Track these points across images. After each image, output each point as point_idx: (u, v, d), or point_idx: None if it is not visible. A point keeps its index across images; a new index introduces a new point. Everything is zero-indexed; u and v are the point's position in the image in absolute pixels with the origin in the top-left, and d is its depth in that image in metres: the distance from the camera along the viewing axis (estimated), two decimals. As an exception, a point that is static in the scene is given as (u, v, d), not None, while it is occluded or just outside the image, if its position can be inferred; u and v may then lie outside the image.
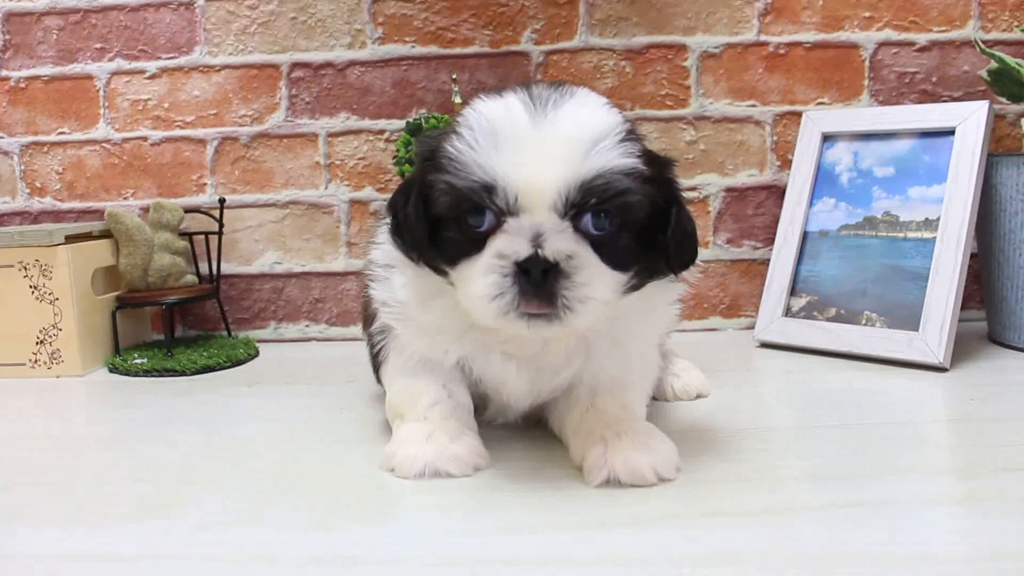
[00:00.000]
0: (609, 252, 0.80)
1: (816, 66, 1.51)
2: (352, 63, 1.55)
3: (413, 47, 1.54)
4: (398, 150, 1.41)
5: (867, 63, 1.51)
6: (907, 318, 1.26)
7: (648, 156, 0.83)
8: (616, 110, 0.83)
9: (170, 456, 0.99)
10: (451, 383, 0.94)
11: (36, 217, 1.64)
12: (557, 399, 0.96)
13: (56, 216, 1.64)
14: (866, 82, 1.51)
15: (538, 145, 0.78)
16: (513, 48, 1.53)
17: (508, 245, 0.78)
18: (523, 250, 0.77)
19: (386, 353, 0.98)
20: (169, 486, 0.89)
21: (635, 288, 0.86)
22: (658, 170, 0.84)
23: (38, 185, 1.64)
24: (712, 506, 0.78)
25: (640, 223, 0.82)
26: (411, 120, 1.42)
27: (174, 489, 0.88)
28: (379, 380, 1.04)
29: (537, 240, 0.77)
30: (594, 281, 0.79)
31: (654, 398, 1.06)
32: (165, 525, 0.79)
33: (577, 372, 0.92)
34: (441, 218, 0.83)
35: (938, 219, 1.28)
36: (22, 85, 1.61)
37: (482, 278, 0.79)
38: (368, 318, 1.02)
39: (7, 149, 1.63)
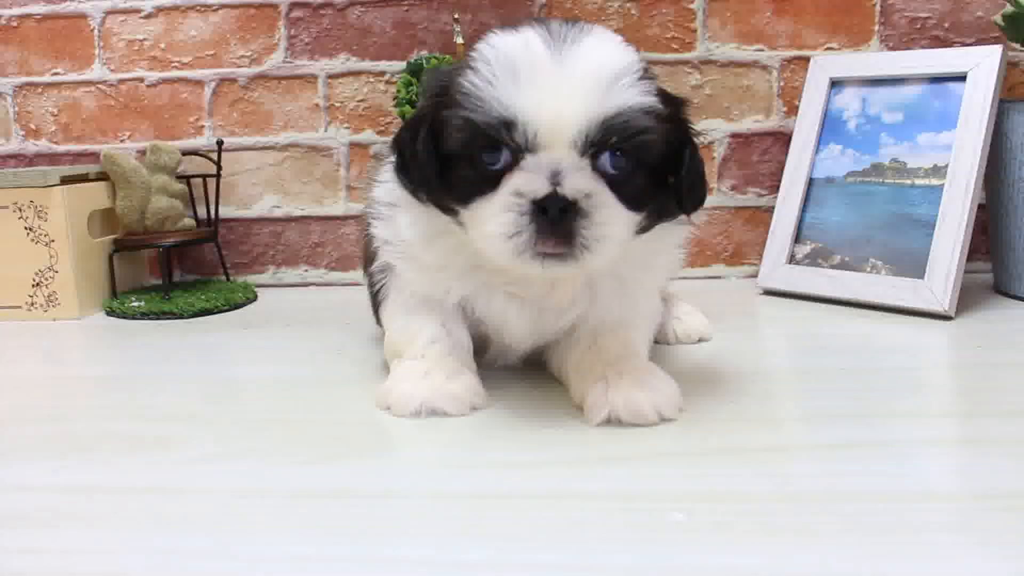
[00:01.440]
0: (625, 191, 0.79)
1: (825, 10, 1.47)
2: (352, 3, 1.52)
3: (414, -13, 1.51)
4: (399, 91, 1.39)
5: (877, 7, 1.47)
6: (913, 266, 1.25)
7: (664, 95, 0.82)
8: (632, 48, 0.81)
9: (165, 396, 0.98)
10: (450, 322, 0.92)
11: (31, 160, 1.62)
12: (559, 340, 0.95)
13: (52, 159, 1.62)
14: (876, 27, 1.47)
15: (559, 81, 0.76)
16: (516, -12, 1.50)
17: (526, 183, 0.76)
18: (542, 188, 0.75)
19: (386, 292, 0.96)
20: (163, 424, 0.88)
21: (645, 229, 0.84)
22: (673, 109, 0.83)
23: (33, 127, 1.61)
24: (712, 444, 0.77)
25: (655, 162, 0.81)
26: (412, 60, 1.39)
27: (168, 426, 0.87)
28: (378, 320, 1.03)
29: (556, 178, 0.76)
30: (611, 220, 0.78)
31: (656, 341, 1.05)
32: (159, 459, 0.78)
33: (581, 313, 0.91)
34: (452, 155, 0.81)
35: (946, 166, 1.26)
36: (14, 23, 1.58)
37: (497, 216, 0.77)
38: (369, 257, 1.01)
39: (0, 90, 1.60)
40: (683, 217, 0.89)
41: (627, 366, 0.86)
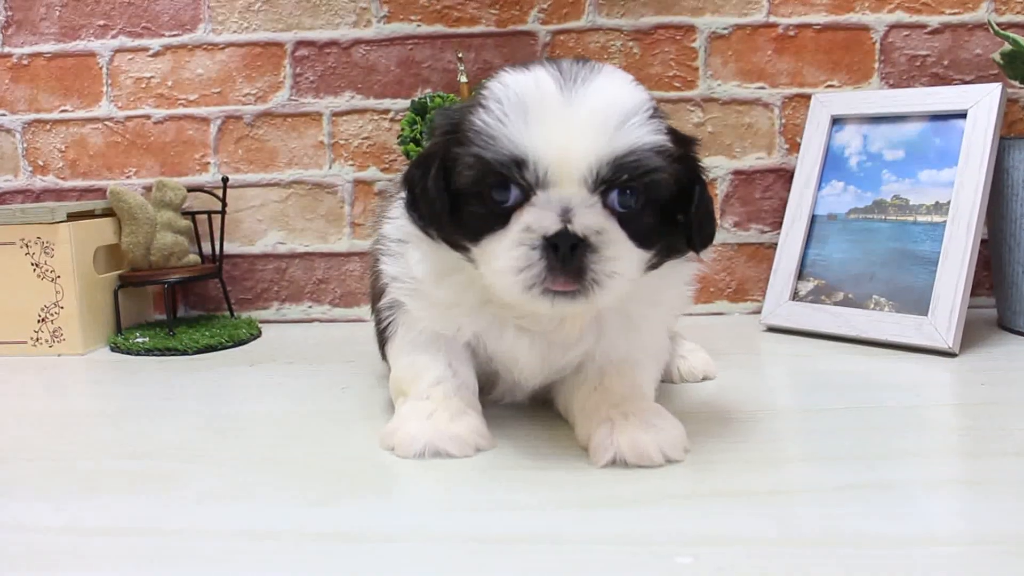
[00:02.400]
0: (634, 229, 0.80)
1: (826, 48, 1.49)
2: (357, 42, 1.54)
3: (419, 26, 1.52)
4: (403, 129, 1.40)
5: (877, 46, 1.49)
6: (916, 303, 1.25)
7: (674, 134, 0.82)
8: (642, 87, 0.82)
9: (169, 433, 0.98)
10: (456, 362, 0.92)
11: (38, 195, 1.63)
12: (565, 378, 0.95)
13: (58, 194, 1.63)
14: (876, 65, 1.49)
15: (569, 119, 0.77)
16: (519, 28, 1.51)
17: (537, 219, 0.77)
18: (552, 225, 0.76)
19: (394, 329, 0.96)
20: (167, 462, 0.88)
21: (655, 267, 0.85)
22: (683, 148, 0.84)
23: (40, 163, 1.63)
24: (716, 486, 0.77)
25: (664, 200, 0.81)
26: (416, 99, 1.40)
27: (172, 465, 0.87)
28: (384, 357, 1.03)
29: (566, 215, 0.76)
30: (621, 256, 0.78)
31: (661, 380, 1.05)
32: (162, 500, 0.78)
33: (589, 350, 0.91)
34: (463, 192, 0.81)
35: (948, 203, 1.26)
36: (24, 62, 1.60)
37: (508, 252, 0.77)
38: (377, 294, 1.01)
39: (9, 127, 1.62)
40: (691, 254, 0.90)
41: (633, 407, 0.86)
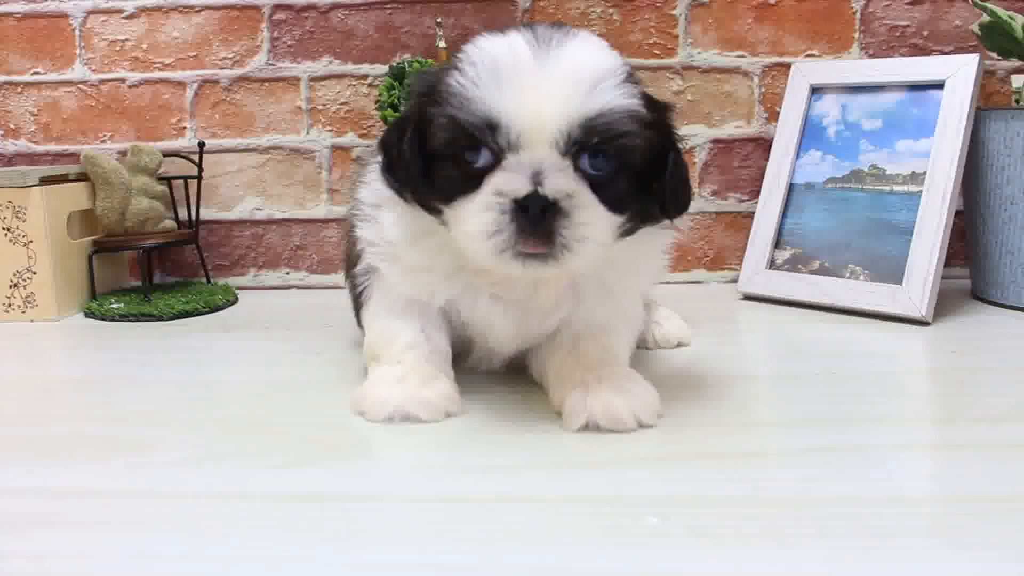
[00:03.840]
0: (607, 193, 0.79)
1: (806, 17, 1.49)
2: (335, 6, 1.52)
3: (397, -10, 1.51)
4: (381, 94, 1.39)
5: (858, 15, 1.49)
6: (891, 272, 1.26)
7: (648, 99, 0.82)
8: (616, 53, 0.82)
9: (143, 398, 0.98)
10: (429, 327, 0.92)
11: (11, 160, 1.61)
12: (540, 344, 0.95)
13: (31, 159, 1.60)
14: (856, 34, 1.49)
15: (541, 82, 0.76)
16: (500, -7, 1.50)
17: (507, 182, 0.77)
18: (523, 187, 0.76)
19: (369, 294, 0.96)
20: (139, 427, 0.88)
21: (628, 233, 0.85)
22: (657, 114, 0.83)
23: (12, 127, 1.60)
24: (689, 449, 0.77)
25: (637, 166, 0.81)
26: (394, 64, 1.39)
27: (144, 429, 0.87)
28: (360, 323, 1.02)
29: (537, 178, 0.76)
30: (592, 221, 0.78)
31: (636, 346, 1.05)
32: (133, 462, 0.78)
33: (565, 316, 0.91)
34: (437, 154, 0.81)
35: (924, 173, 1.27)
36: (-6, 23, 1.57)
37: (479, 215, 0.77)
38: (352, 260, 1.01)
39: (-20, 89, 1.59)
40: (667, 222, 0.90)
41: (607, 372, 0.86)
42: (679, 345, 1.13)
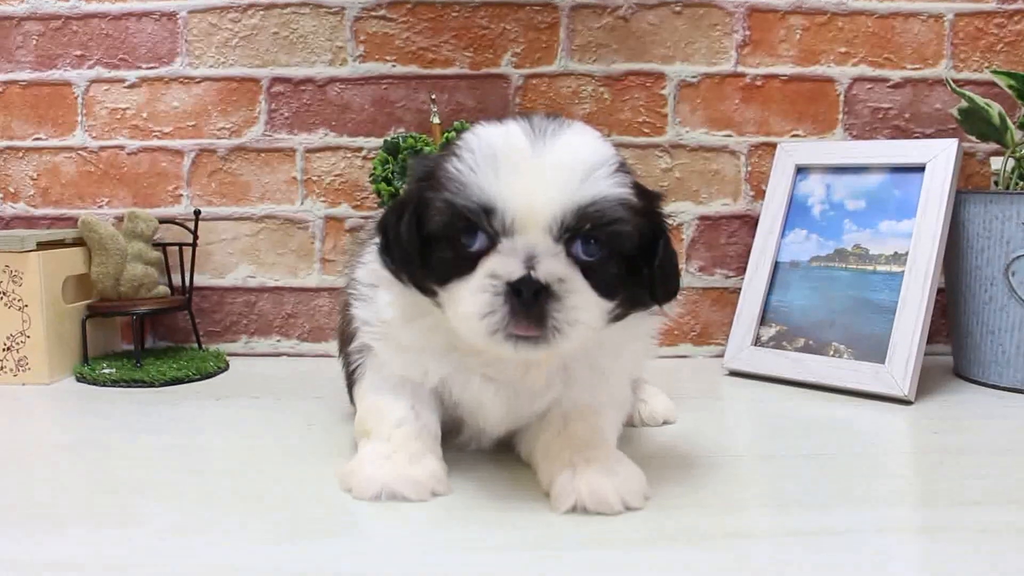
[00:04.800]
0: (598, 279, 0.82)
1: (792, 98, 1.53)
2: (332, 80, 1.56)
3: (393, 66, 1.55)
4: (375, 168, 1.42)
5: (842, 97, 1.53)
6: (874, 350, 1.28)
7: (639, 188, 0.85)
8: (609, 143, 0.85)
9: (131, 467, 0.98)
10: (420, 405, 0.93)
11: (8, 223, 1.63)
12: (529, 424, 0.96)
13: (29, 222, 1.62)
14: (840, 116, 1.53)
15: (536, 170, 0.80)
16: (493, 71, 1.54)
17: (502, 265, 0.79)
18: (516, 271, 0.78)
19: (362, 371, 0.98)
20: (127, 496, 0.88)
21: (618, 318, 0.87)
22: (648, 202, 0.86)
23: (12, 190, 1.62)
24: (673, 530, 0.78)
25: (628, 253, 0.84)
26: (389, 139, 1.42)
27: (132, 499, 0.87)
28: (352, 399, 1.03)
29: (530, 262, 0.78)
30: (583, 305, 0.80)
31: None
32: (121, 534, 0.78)
33: (555, 398, 0.92)
34: (434, 237, 0.83)
35: (907, 253, 1.30)
36: (-1, 90, 1.60)
37: (473, 296, 0.80)
38: (347, 337, 1.02)
39: (-19, 153, 1.62)
40: (656, 308, 0.92)
41: (595, 453, 0.87)
42: (665, 423, 1.14)
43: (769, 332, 1.40)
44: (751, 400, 1.29)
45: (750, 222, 1.53)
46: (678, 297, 0.91)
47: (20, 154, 1.61)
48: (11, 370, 1.40)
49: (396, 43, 1.54)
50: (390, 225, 0.87)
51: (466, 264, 0.81)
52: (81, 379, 1.42)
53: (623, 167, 0.84)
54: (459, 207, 0.80)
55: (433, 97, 1.44)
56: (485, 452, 1.00)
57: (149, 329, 1.62)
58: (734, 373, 1.41)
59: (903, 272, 1.29)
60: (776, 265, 1.44)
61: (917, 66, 1.52)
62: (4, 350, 1.40)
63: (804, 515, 0.82)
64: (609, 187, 0.81)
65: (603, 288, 0.82)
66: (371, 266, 0.93)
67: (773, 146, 1.51)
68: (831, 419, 1.18)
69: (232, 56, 1.56)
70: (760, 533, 0.79)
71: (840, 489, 0.90)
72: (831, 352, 1.33)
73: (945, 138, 1.35)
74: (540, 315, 0.78)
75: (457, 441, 0.99)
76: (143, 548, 0.75)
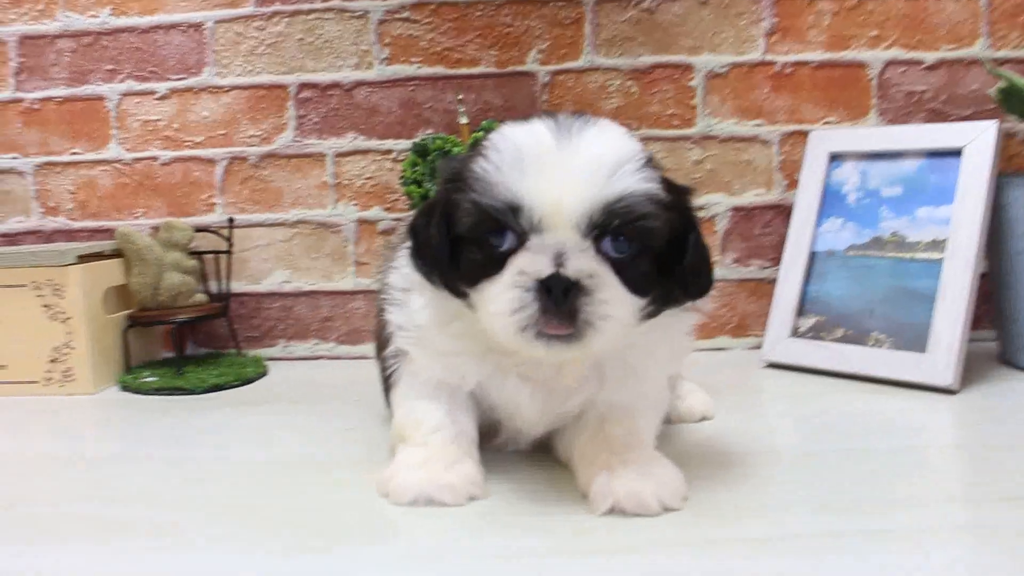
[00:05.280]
0: (628, 275, 0.81)
1: (823, 85, 1.51)
2: (359, 83, 1.56)
3: (419, 67, 1.55)
4: (405, 171, 1.42)
5: (874, 82, 1.50)
6: (915, 339, 1.25)
7: (667, 183, 0.84)
8: (636, 138, 0.85)
9: (165, 477, 1.00)
10: (456, 410, 0.94)
11: (50, 236, 1.66)
12: (566, 425, 0.96)
13: (69, 235, 1.66)
14: (873, 101, 1.50)
15: (563, 167, 0.79)
16: (519, 68, 1.54)
17: (530, 263, 0.79)
18: (545, 268, 0.78)
19: (398, 376, 0.98)
20: (159, 508, 0.89)
21: (651, 315, 0.86)
22: (677, 197, 0.85)
23: (51, 204, 1.65)
24: (711, 534, 0.78)
25: (658, 248, 0.83)
26: (417, 141, 1.42)
27: (163, 511, 0.88)
28: (388, 403, 1.04)
29: (559, 259, 0.78)
30: (614, 300, 0.80)
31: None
32: (143, 545, 0.79)
33: (589, 397, 0.92)
34: (463, 238, 0.84)
35: (945, 240, 1.27)
36: (36, 106, 1.63)
37: (503, 294, 0.79)
38: (382, 342, 1.03)
39: (21, 169, 1.65)
40: (690, 304, 0.91)
41: (632, 455, 0.87)
42: (702, 419, 1.14)
43: (807, 323, 1.39)
44: (790, 393, 1.28)
45: (784, 212, 1.51)
46: (712, 292, 0.90)
47: (58, 169, 1.64)
48: (57, 381, 1.43)
49: (421, 44, 1.54)
50: (420, 228, 0.88)
51: (496, 264, 0.81)
52: (125, 388, 1.44)
53: (651, 162, 0.83)
54: (486, 207, 0.80)
55: (460, 97, 1.44)
56: (523, 454, 1.00)
57: (190, 336, 1.64)
58: (772, 365, 1.40)
59: (942, 259, 1.26)
60: (812, 255, 1.42)
61: (952, 46, 1.49)
62: (50, 362, 1.43)
63: (844, 517, 0.80)
64: (636, 182, 0.80)
65: (634, 284, 0.82)
66: (403, 270, 0.93)
67: (805, 134, 1.49)
68: (872, 412, 1.16)
69: (259, 64, 1.58)
70: (800, 536, 0.77)
71: (882, 488, 0.88)
72: (871, 342, 1.30)
73: (983, 120, 1.32)
74: (571, 312, 0.78)
75: (495, 443, 0.99)
76: (163, 561, 0.76)
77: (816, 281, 1.40)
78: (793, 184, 1.51)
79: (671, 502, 0.83)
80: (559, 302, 0.78)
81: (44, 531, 0.84)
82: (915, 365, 1.23)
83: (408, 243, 0.91)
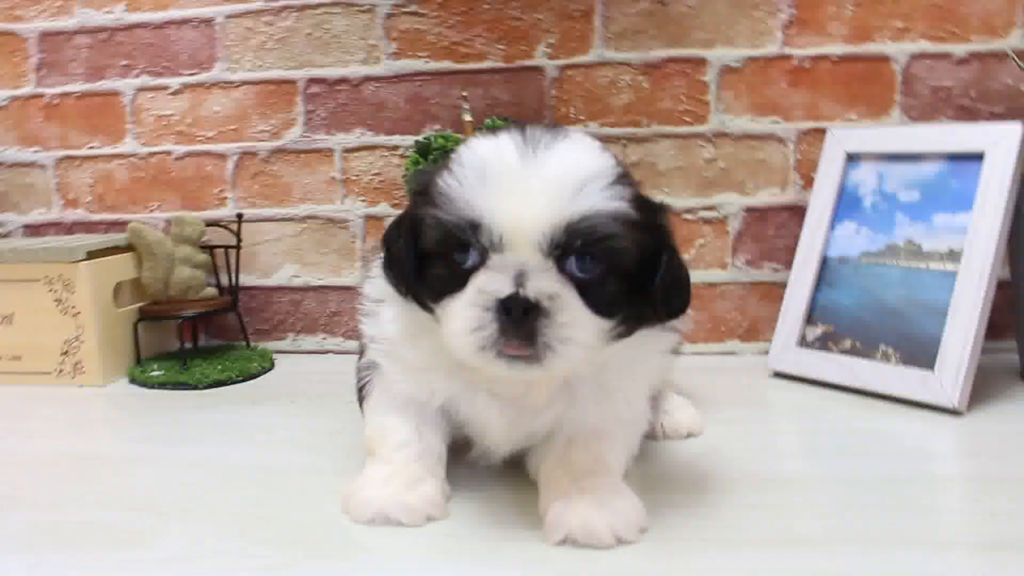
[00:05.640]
0: (594, 296, 0.79)
1: (843, 80, 1.43)
2: (367, 79, 1.55)
3: (427, 62, 1.53)
4: (407, 168, 1.40)
5: (899, 77, 1.42)
6: (924, 355, 1.19)
7: (639, 200, 0.81)
8: (609, 153, 0.82)
9: (153, 480, 1.01)
10: (424, 426, 0.93)
11: (70, 227, 1.70)
12: (537, 445, 0.94)
13: (88, 227, 1.69)
14: (897, 97, 1.42)
15: (525, 184, 0.77)
16: (527, 63, 1.50)
17: (490, 282, 0.77)
18: (504, 287, 0.76)
19: (370, 388, 0.97)
20: (139, 515, 0.91)
21: (623, 335, 0.83)
22: (649, 215, 0.82)
23: (71, 197, 1.69)
24: (671, 569, 0.75)
25: (628, 269, 0.80)
26: (420, 139, 1.40)
27: (143, 519, 0.90)
28: (364, 414, 1.03)
29: (520, 279, 0.76)
30: (576, 323, 0.77)
31: (636, 451, 1.02)
32: (125, 557, 0.81)
33: (557, 418, 0.90)
34: (429, 253, 0.82)
35: (963, 250, 1.20)
36: (55, 102, 1.66)
37: (463, 312, 0.78)
38: (360, 351, 1.02)
39: (43, 163, 1.68)
40: (670, 323, 0.88)
41: (592, 483, 0.85)
42: (689, 436, 1.10)
43: (815, 332, 1.33)
44: (790, 408, 1.23)
45: (799, 213, 1.44)
46: (689, 312, 0.87)
47: (77, 163, 1.67)
48: (69, 373, 1.47)
49: (428, 39, 1.52)
50: (392, 240, 0.87)
51: (459, 281, 0.79)
52: (133, 381, 1.47)
53: (623, 179, 0.80)
54: (447, 223, 0.78)
55: (464, 94, 1.42)
56: (495, 469, 0.97)
57: (202, 328, 1.66)
58: (779, 375, 1.35)
59: (956, 271, 1.19)
60: (824, 260, 1.35)
61: (984, 38, 1.40)
62: (62, 354, 1.46)
63: (823, 558, 0.76)
64: (603, 201, 0.77)
65: (599, 306, 0.79)
66: (377, 281, 0.93)
67: (824, 132, 1.42)
68: (875, 433, 1.10)
69: (268, 59, 1.57)
70: (765, 572, 0.74)
71: (870, 526, 0.83)
72: (879, 355, 1.24)
73: (1017, 118, 1.23)
74: (530, 333, 0.76)
75: (467, 458, 0.97)
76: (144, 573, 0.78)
77: (826, 288, 1.34)
78: (810, 184, 1.44)
79: (626, 534, 0.80)
80: (518, 323, 0.76)
81: (20, 537, 0.87)
82: (922, 383, 1.17)
83: (381, 254, 0.89)
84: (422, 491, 0.88)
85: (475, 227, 0.77)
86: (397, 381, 0.92)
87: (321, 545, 0.82)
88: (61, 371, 1.47)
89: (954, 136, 1.26)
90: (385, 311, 0.92)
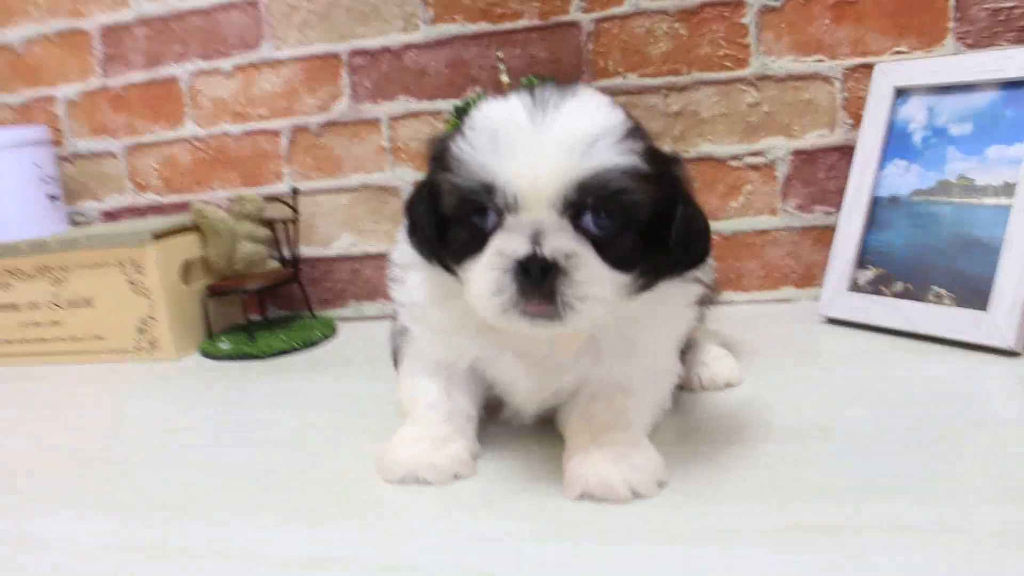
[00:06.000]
0: (610, 252, 0.79)
1: (891, 11, 1.36)
2: (407, 46, 1.56)
3: (463, 25, 1.53)
4: (447, 132, 1.42)
5: (952, 2, 1.34)
6: (978, 296, 1.14)
7: (651, 154, 0.81)
8: (620, 109, 0.82)
9: (204, 448, 1.08)
10: (453, 386, 0.95)
11: (144, 211, 1.79)
12: (565, 402, 0.95)
13: (159, 209, 1.78)
14: (951, 24, 1.35)
15: (536, 145, 0.78)
16: (562, 19, 1.48)
17: (508, 243, 0.78)
18: (522, 248, 0.77)
19: (403, 353, 1.01)
20: (185, 479, 0.98)
21: (644, 288, 0.84)
22: (661, 167, 0.82)
23: (141, 182, 1.77)
24: (695, 525, 0.75)
25: (643, 222, 0.80)
26: (458, 104, 1.42)
27: (186, 483, 0.97)
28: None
29: (536, 238, 0.77)
30: (593, 279, 0.78)
31: (681, 388, 1.03)
32: (164, 518, 0.87)
33: (584, 374, 0.91)
34: (449, 218, 0.84)
35: (1017, 183, 1.14)
36: (123, 93, 1.74)
37: (483, 275, 0.80)
38: (393, 316, 1.06)
39: (114, 151, 1.77)
40: (693, 274, 0.88)
41: (611, 437, 0.86)
42: (727, 386, 1.09)
43: (867, 275, 1.29)
44: (838, 354, 1.20)
45: (850, 153, 1.39)
46: (709, 261, 0.87)
47: (144, 149, 1.75)
48: (145, 349, 1.56)
49: (464, 2, 1.52)
50: (413, 207, 0.89)
51: (479, 243, 0.81)
52: (204, 354, 1.55)
53: (633, 133, 0.80)
54: (463, 188, 0.80)
55: (500, 55, 1.42)
56: (527, 428, 1.00)
57: (269, 299, 1.73)
58: (831, 320, 1.32)
59: (1011, 206, 1.13)
60: (874, 201, 1.31)
61: (1048, -48, 1.31)
62: (138, 332, 1.55)
63: (844, 506, 0.74)
64: (613, 156, 0.77)
65: (616, 261, 0.79)
66: (403, 247, 0.95)
67: (871, 67, 1.36)
68: (923, 379, 1.06)
69: (312, 34, 1.61)
70: (799, 528, 0.72)
71: (912, 474, 0.80)
72: (931, 297, 1.20)
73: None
74: (550, 292, 0.77)
75: (500, 418, 1.00)
76: (175, 533, 0.84)
77: (877, 230, 1.29)
78: (859, 123, 1.38)
79: (643, 489, 0.81)
80: (537, 282, 0.77)
81: (70, 495, 0.94)
82: (975, 324, 1.12)
83: (405, 221, 0.92)
84: (450, 450, 0.91)
85: (490, 190, 0.78)
86: (426, 344, 0.95)
87: (350, 503, 0.87)
88: (139, 348, 1.56)
89: (1007, 61, 1.19)
90: (412, 276, 0.94)
